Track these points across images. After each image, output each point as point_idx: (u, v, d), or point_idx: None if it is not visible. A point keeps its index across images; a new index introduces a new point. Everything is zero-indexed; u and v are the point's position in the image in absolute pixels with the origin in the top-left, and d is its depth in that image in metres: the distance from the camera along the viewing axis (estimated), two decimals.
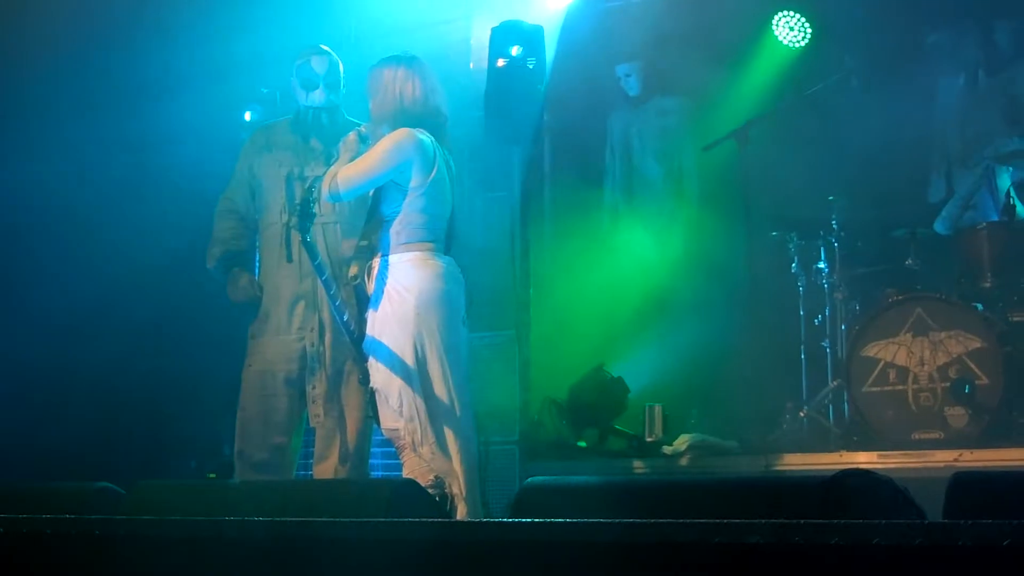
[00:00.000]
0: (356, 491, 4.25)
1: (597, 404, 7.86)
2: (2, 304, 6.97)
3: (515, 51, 7.59)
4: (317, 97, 6.05)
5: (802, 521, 2.60)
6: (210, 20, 7.18)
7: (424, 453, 5.18)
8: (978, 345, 6.67)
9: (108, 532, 3.34)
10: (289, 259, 5.88)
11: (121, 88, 7.12)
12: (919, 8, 8.03)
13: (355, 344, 5.37)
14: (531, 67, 7.72)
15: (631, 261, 8.47)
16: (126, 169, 7.20)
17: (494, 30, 7.80)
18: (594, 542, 2.82)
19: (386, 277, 5.25)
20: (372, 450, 6.12)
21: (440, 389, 5.22)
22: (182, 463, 7.06)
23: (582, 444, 7.76)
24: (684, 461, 7.09)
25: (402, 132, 5.31)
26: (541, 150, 8.67)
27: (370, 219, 5.37)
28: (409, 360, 5.19)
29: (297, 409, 5.95)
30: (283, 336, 5.91)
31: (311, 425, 5.95)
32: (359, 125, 5.97)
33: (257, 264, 6.17)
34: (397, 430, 5.23)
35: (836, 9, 8.38)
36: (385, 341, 5.23)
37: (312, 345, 5.87)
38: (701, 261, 8.31)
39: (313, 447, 6.00)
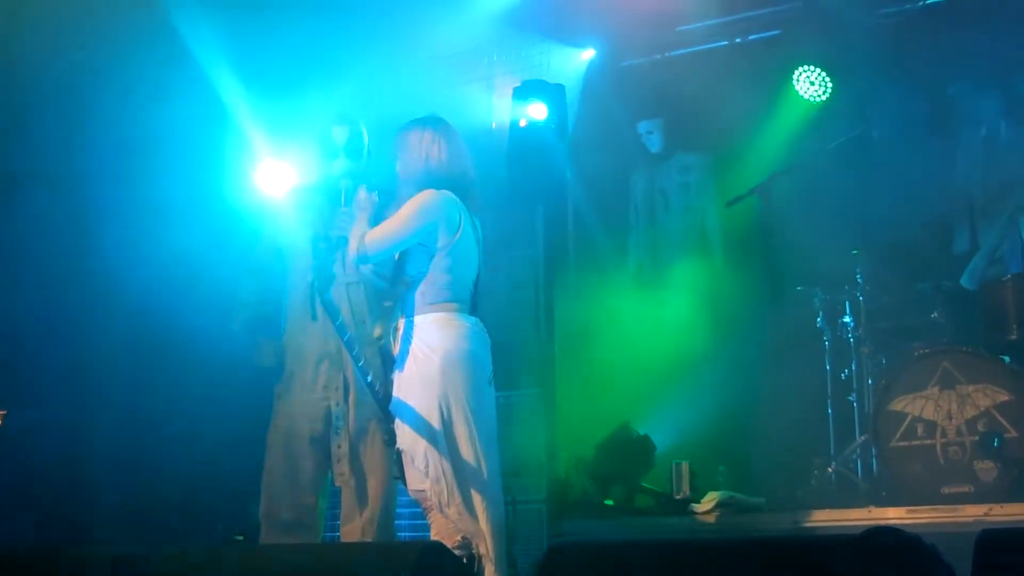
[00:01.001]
0: (383, 554, 4.24)
1: (624, 462, 7.85)
2: (26, 370, 6.99)
3: (537, 113, 7.65)
4: (337, 167, 6.08)
5: None
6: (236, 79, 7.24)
7: (451, 514, 5.17)
8: (1006, 398, 6.64)
9: None
10: (314, 318, 5.90)
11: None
12: (940, 60, 8.04)
13: (381, 405, 5.39)
14: (553, 126, 7.78)
15: (656, 317, 8.46)
16: (158, 228, 7.25)
17: (516, 89, 7.87)
18: None
19: (411, 337, 5.25)
20: (399, 510, 6.11)
21: (466, 450, 5.21)
22: (209, 525, 7.05)
23: (609, 502, 7.73)
24: (712, 519, 7.06)
25: (427, 194, 5.33)
26: (564, 208, 8.69)
27: (396, 279, 5.38)
28: (435, 421, 5.18)
29: (323, 469, 5.95)
30: (308, 395, 5.92)
31: (336, 484, 5.94)
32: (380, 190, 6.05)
33: (283, 324, 6.18)
34: (423, 491, 5.23)
35: (856, 63, 8.39)
36: (411, 402, 5.22)
37: (337, 404, 5.87)
38: (726, 317, 8.30)
39: (339, 507, 6.00)
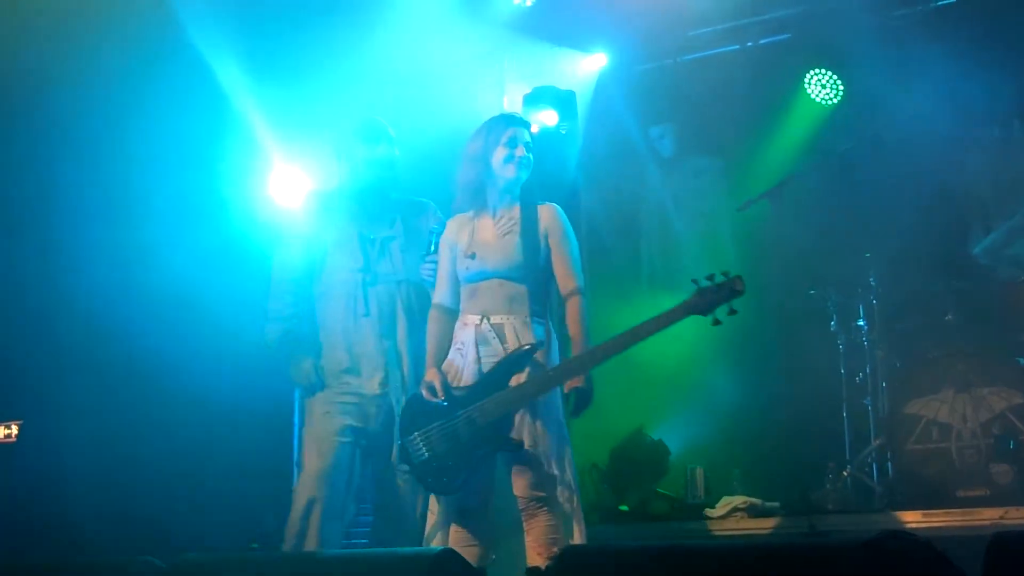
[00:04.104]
0: (396, 562, 4.25)
1: (638, 467, 7.85)
2: (46, 378, 7.02)
3: (548, 119, 7.66)
4: (382, 151, 6.09)
5: None
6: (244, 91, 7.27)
7: (575, 526, 5.19)
8: (1020, 400, 6.63)
9: None
10: (367, 314, 5.91)
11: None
12: (952, 61, 8.02)
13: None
14: (564, 132, 7.79)
15: None
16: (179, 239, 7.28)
17: (526, 97, 7.89)
18: None
19: (553, 342, 5.38)
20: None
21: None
22: (226, 533, 7.06)
23: (624, 508, 7.72)
24: (727, 523, 7.05)
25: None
26: (576, 214, 8.69)
27: (541, 289, 5.38)
28: (565, 428, 5.30)
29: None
30: (369, 394, 5.91)
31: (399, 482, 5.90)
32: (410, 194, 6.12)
33: (318, 326, 6.08)
34: (542, 496, 5.19)
35: (868, 65, 8.37)
36: (550, 406, 5.28)
37: (398, 402, 5.85)
38: (739, 321, 8.27)
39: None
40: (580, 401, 5.23)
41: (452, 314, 5.43)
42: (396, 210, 6.08)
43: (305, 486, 5.84)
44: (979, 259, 7.65)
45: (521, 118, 5.70)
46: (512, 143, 5.41)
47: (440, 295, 5.48)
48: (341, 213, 6.07)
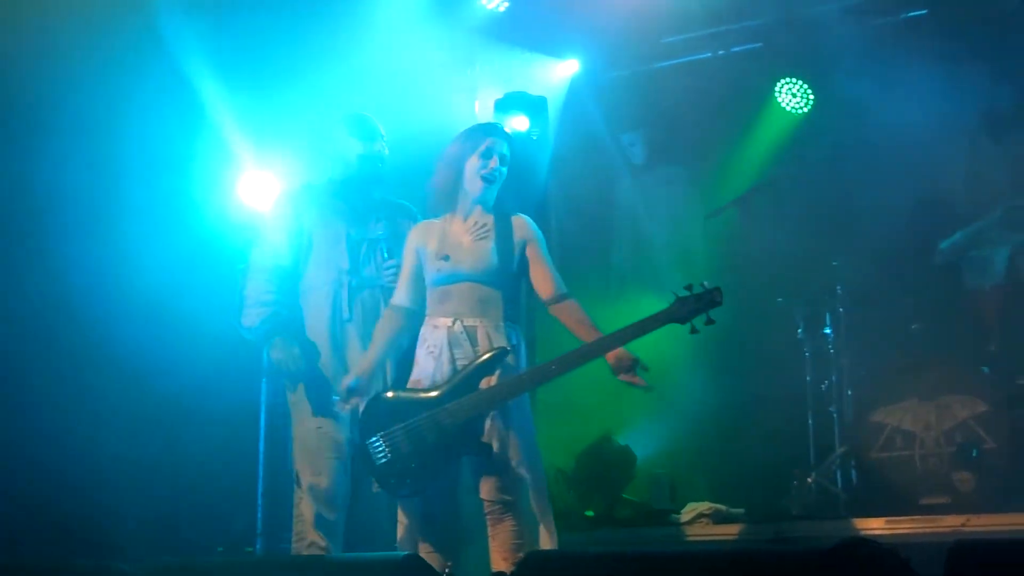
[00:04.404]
0: (361, 566, 4.26)
1: (604, 473, 7.87)
2: (26, 381, 6.98)
3: (519, 125, 7.67)
4: (379, 147, 6.10)
5: None
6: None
7: (544, 527, 5.21)
8: (984, 409, 6.68)
9: None
10: (351, 319, 5.90)
11: None
12: (922, 71, 8.07)
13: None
14: (535, 138, 7.80)
15: None
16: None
17: (498, 102, 7.90)
18: None
19: (523, 347, 5.41)
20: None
21: None
22: (192, 537, 7.03)
23: (590, 513, 7.75)
24: (692, 529, 7.08)
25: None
26: (547, 220, 8.71)
27: (512, 295, 5.44)
28: (534, 430, 5.32)
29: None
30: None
31: (374, 490, 5.86)
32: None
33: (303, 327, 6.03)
34: (518, 502, 5.20)
35: (839, 75, 8.42)
36: (524, 409, 5.33)
37: None
38: (706, 327, 8.31)
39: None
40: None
41: (409, 315, 5.46)
42: (381, 210, 6.08)
43: (305, 503, 5.80)
44: (943, 255, 7.68)
45: (502, 130, 5.73)
46: (487, 154, 5.45)
47: (399, 296, 5.51)
48: (325, 208, 6.05)
